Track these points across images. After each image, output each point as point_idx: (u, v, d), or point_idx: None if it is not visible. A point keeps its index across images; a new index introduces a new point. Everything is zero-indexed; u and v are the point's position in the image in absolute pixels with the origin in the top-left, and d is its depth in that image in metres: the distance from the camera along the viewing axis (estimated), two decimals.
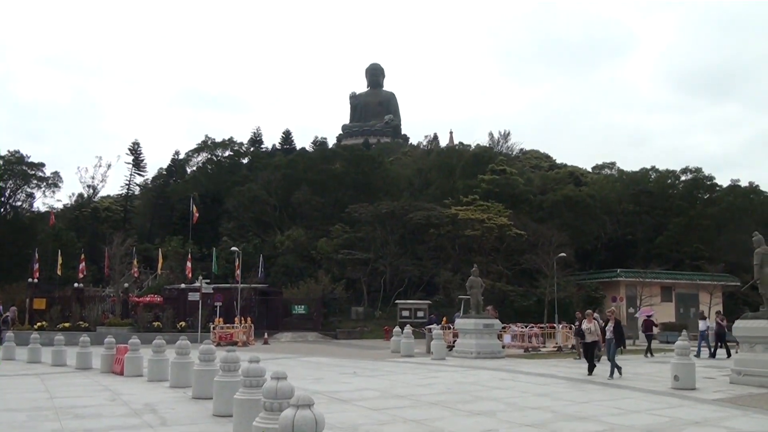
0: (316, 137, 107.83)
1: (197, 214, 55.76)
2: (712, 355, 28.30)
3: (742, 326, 17.31)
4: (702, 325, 30.21)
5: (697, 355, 27.89)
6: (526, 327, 34.01)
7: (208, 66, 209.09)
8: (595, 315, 23.28)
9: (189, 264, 48.33)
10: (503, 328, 31.76)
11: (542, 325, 35.74)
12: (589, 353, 19.42)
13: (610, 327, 19.33)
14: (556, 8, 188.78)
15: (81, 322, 39.44)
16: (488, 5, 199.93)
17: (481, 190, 60.29)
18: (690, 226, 60.17)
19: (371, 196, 61.97)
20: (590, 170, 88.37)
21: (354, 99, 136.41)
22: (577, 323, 21.25)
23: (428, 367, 22.92)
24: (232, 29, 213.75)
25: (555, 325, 36.51)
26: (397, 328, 33.09)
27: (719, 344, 28.48)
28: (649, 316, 34.77)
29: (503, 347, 29.90)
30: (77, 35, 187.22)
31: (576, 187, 67.77)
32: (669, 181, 71.00)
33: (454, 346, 29.45)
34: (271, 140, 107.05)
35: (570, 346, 31.24)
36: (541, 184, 68.62)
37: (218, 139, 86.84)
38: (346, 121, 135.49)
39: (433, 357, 27.18)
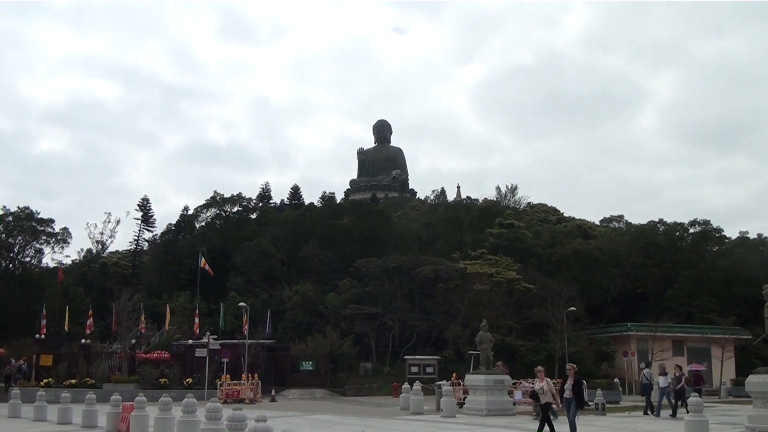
0: (324, 192, 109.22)
1: (210, 269, 55.94)
2: (673, 414, 25.93)
3: (755, 381, 16.99)
4: (663, 381, 27.79)
5: (657, 414, 26.17)
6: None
7: (217, 121, 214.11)
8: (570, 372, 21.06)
9: (196, 319, 48.19)
10: (514, 384, 31.21)
11: (553, 381, 35.06)
12: (545, 415, 17.45)
13: (568, 385, 17.26)
14: (562, 63, 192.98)
15: (87, 379, 39.14)
16: (494, 60, 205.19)
17: (489, 244, 60.35)
18: (700, 279, 59.67)
19: (379, 251, 62.16)
20: (598, 223, 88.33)
21: (362, 154, 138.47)
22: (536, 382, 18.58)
23: (438, 425, 22.54)
24: (241, 85, 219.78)
25: (583, 380, 35.84)
26: (405, 385, 32.62)
27: (679, 402, 26.18)
28: (698, 371, 33.87)
29: (514, 404, 29.35)
30: (86, 91, 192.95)
31: (584, 240, 67.68)
32: (677, 233, 70.83)
33: (464, 403, 28.95)
34: (279, 195, 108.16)
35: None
36: (550, 237, 68.68)
37: (227, 195, 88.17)
38: (354, 176, 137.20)
39: (443, 414, 26.70)
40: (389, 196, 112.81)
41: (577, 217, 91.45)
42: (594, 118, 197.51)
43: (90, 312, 49.37)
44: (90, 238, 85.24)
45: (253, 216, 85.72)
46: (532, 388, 19.47)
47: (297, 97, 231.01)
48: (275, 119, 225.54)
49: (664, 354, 48.14)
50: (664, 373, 28.35)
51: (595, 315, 58.65)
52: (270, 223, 72.30)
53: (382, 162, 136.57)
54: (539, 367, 19.56)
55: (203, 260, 58.75)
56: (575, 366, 18.23)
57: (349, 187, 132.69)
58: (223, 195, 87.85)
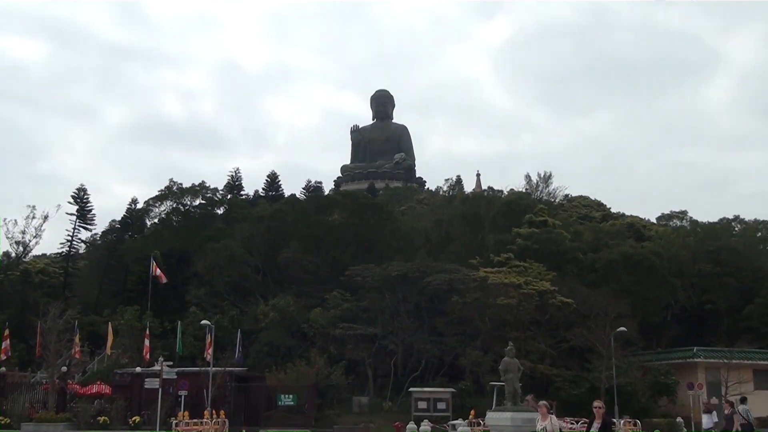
0: (309, 181, 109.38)
1: (163, 278, 55.93)
2: None
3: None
4: (706, 420, 27.59)
5: None
6: (576, 422, 33.58)
7: (174, 90, 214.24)
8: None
9: (147, 342, 48.29)
10: None
11: (574, 420, 35.21)
12: None
13: (595, 428, 17.32)
14: (611, 20, 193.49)
15: (1, 418, 39.11)
16: (524, 15, 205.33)
17: (516, 246, 60.41)
18: None
19: (378, 255, 62.06)
20: (655, 221, 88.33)
21: (356, 134, 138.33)
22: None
23: None
24: (204, 45, 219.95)
25: (614, 419, 35.99)
26: (411, 425, 32.78)
27: None
28: None
29: None
30: (2, 51, 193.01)
31: (637, 242, 67.69)
32: (759, 234, 70.76)
33: None
34: (252, 185, 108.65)
35: None
36: (593, 239, 68.59)
37: (186, 184, 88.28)
38: (346, 160, 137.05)
39: None
40: (391, 187, 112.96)
41: (627, 213, 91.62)
42: (651, 88, 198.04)
43: (6, 332, 49.16)
44: (8, 238, 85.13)
45: (220, 211, 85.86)
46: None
47: (275, 61, 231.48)
48: (247, 89, 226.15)
49: (742, 387, 47.82)
50: (708, 411, 28.13)
51: (652, 337, 58.65)
52: (241, 220, 72.35)
53: (381, 143, 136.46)
54: (542, 402, 19.47)
55: (156, 266, 59.00)
56: (603, 405, 17.99)
57: (340, 174, 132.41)
58: (181, 184, 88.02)
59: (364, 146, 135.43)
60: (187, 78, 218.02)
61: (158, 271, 58.93)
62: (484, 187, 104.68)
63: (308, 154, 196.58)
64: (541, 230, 62.73)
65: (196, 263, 65.32)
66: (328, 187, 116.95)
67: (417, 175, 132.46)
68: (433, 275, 55.56)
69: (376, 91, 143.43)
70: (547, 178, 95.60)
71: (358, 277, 57.45)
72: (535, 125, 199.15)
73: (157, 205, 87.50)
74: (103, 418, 39.89)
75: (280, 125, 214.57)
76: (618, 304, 51.03)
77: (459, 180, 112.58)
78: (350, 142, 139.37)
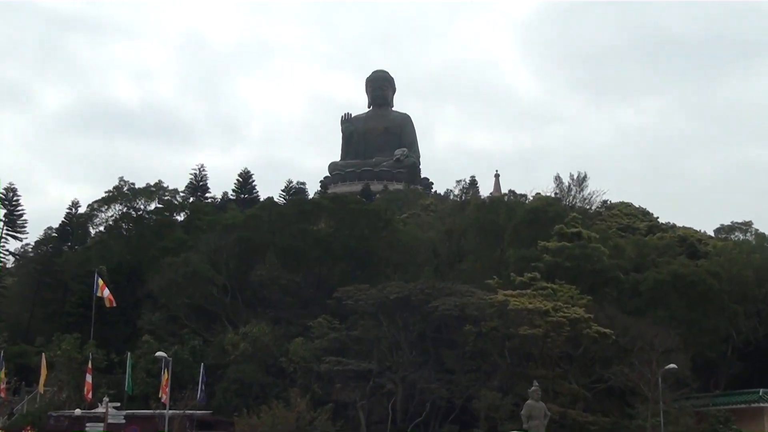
0: (290, 182, 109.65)
1: (112, 300, 55.57)
2: None
3: None
4: None
5: None
6: None
7: (125, 69, 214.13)
8: None
9: (89, 378, 47.96)
10: None
11: None
12: None
13: None
14: None
15: None
16: None
17: (543, 264, 60.16)
18: None
19: (374, 274, 61.72)
20: (712, 234, 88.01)
21: (348, 124, 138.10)
22: None
23: None
24: (163, 15, 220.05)
25: None
26: None
27: None
28: None
29: None
30: None
31: (691, 260, 67.35)
32: None
33: None
34: (220, 186, 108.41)
35: None
36: (637, 255, 68.29)
37: (139, 184, 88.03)
38: (336, 156, 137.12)
39: None
40: (390, 189, 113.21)
41: (679, 224, 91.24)
42: (709, 71, 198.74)
43: None
44: None
45: (180, 217, 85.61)
46: None
47: (249, 34, 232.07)
48: (216, 68, 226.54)
49: None
50: None
51: (708, 376, 58.34)
52: (206, 229, 72.06)
53: (379, 136, 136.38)
54: None
55: (102, 285, 58.65)
56: None
57: (327, 174, 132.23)
58: (133, 184, 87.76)
59: (358, 139, 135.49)
60: (141, 54, 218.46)
61: (105, 291, 58.62)
62: (504, 190, 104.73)
63: (289, 148, 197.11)
64: (573, 244, 62.37)
65: (150, 281, 64.90)
66: (313, 188, 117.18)
67: (422, 176, 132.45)
68: (441, 299, 55.16)
69: (373, 72, 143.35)
70: (581, 181, 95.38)
71: (349, 300, 56.97)
72: (566, 115, 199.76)
73: (103, 209, 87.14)
74: None
75: (254, 113, 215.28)
76: (667, 336, 50.72)
77: (473, 182, 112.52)
78: (340, 135, 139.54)
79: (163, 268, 64.54)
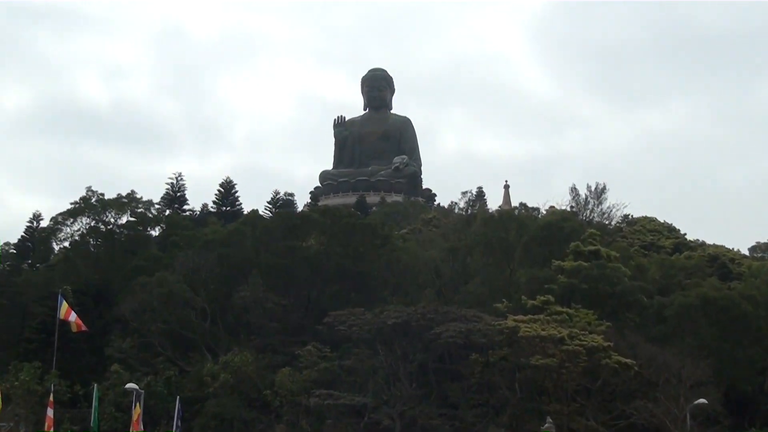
0: (277, 193, 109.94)
1: (81, 325, 55.38)
2: None
3: None
4: None
5: None
6: None
7: (94, 65, 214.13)
8: None
9: (50, 412, 47.72)
10: None
11: None
12: None
13: None
14: None
15: None
16: None
17: (558, 286, 60.28)
18: None
19: (369, 296, 61.86)
20: (747, 253, 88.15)
21: (341, 128, 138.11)
22: None
23: None
24: (136, 5, 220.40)
25: None
26: None
27: None
28: None
29: None
30: None
31: (722, 282, 67.50)
32: None
33: None
34: (200, 197, 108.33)
35: None
36: (662, 276, 68.40)
37: (109, 194, 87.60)
38: (328, 164, 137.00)
39: None
40: (388, 201, 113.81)
41: (709, 241, 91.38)
42: (743, 70, 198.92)
43: None
44: None
45: (155, 232, 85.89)
46: None
47: (232, 28, 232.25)
48: (195, 65, 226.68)
49: None
50: None
51: (743, 412, 58.12)
52: (184, 246, 72.21)
53: (376, 142, 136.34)
54: None
55: (66, 308, 58.38)
56: None
57: (318, 184, 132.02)
58: (102, 195, 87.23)
59: (352, 145, 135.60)
60: (112, 49, 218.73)
61: (70, 315, 58.42)
62: (515, 203, 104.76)
63: (276, 155, 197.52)
64: (591, 264, 62.55)
65: (120, 304, 64.80)
66: (302, 200, 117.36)
67: (424, 186, 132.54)
68: (445, 324, 55.20)
69: (370, 71, 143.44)
70: (600, 192, 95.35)
71: (342, 325, 57.02)
72: (583, 119, 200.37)
73: (68, 223, 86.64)
74: None
75: (238, 115, 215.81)
76: (696, 367, 50.68)
77: (480, 193, 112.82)
78: (333, 140, 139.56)
79: (135, 289, 64.46)
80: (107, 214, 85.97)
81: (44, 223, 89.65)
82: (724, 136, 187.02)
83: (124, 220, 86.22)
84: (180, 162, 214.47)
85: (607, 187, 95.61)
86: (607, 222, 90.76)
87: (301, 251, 68.11)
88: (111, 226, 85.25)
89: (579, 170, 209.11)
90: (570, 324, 54.68)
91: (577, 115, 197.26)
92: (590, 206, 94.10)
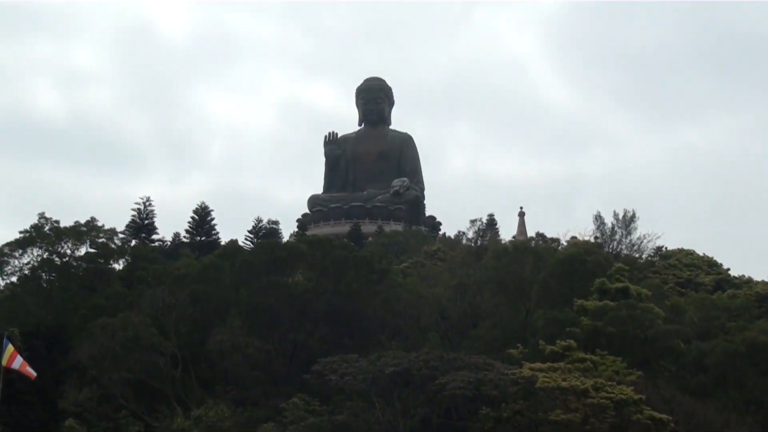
0: (260, 221, 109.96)
1: (29, 372, 55.25)
2: None
3: None
4: None
5: None
6: None
7: (49, 70, 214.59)
8: None
9: None
10: None
11: None
12: None
13: None
14: None
15: None
16: None
17: (581, 329, 60.17)
18: None
19: (364, 340, 61.91)
20: None
21: (333, 146, 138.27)
22: None
23: None
24: (97, 3, 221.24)
25: None
26: None
27: None
28: None
29: None
30: None
31: None
32: None
33: None
34: (171, 225, 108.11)
35: None
36: (702, 318, 68.21)
37: (66, 222, 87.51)
38: (317, 188, 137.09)
39: None
40: (386, 231, 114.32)
41: (756, 277, 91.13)
42: None
43: None
44: None
45: (119, 266, 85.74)
46: None
47: (208, 30, 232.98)
48: (165, 72, 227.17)
49: None
50: None
51: None
52: (152, 282, 72.16)
53: (372, 162, 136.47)
54: None
55: (11, 352, 58.22)
56: None
57: (307, 210, 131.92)
58: (57, 222, 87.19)
59: (346, 166, 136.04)
60: (70, 53, 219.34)
61: (16, 360, 58.24)
62: (531, 233, 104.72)
63: (258, 176, 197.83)
64: (619, 304, 62.53)
65: (77, 349, 64.48)
66: (288, 229, 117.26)
67: (427, 213, 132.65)
68: (451, 374, 55.00)
69: (366, 81, 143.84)
70: (628, 221, 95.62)
71: (333, 374, 56.72)
72: (610, 136, 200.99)
73: (16, 254, 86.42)
74: None
75: (215, 130, 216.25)
76: (742, 423, 50.50)
77: (492, 222, 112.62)
78: (323, 160, 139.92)
79: (94, 331, 64.15)
80: (62, 244, 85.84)
81: None
82: None
83: (82, 251, 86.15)
84: (148, 184, 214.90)
85: (637, 215, 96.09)
86: (637, 255, 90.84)
87: (286, 288, 68.20)
88: (67, 258, 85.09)
89: (605, 195, 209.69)
90: (595, 373, 54.38)
91: (603, 131, 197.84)
92: (618, 237, 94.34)
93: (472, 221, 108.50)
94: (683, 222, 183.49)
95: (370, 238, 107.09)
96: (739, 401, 54.81)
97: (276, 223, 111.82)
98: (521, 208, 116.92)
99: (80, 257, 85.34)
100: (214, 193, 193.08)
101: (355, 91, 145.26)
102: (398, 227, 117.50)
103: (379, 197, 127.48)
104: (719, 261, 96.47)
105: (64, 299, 74.84)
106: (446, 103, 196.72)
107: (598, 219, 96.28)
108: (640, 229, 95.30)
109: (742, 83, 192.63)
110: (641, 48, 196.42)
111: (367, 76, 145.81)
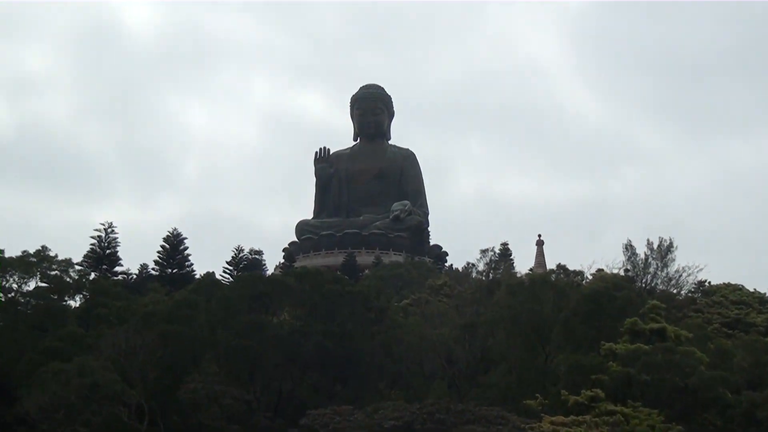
0: (240, 250, 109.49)
1: None
2: None
3: None
4: None
5: None
6: None
7: None
8: None
9: None
10: None
11: None
12: None
13: None
14: None
15: None
16: None
17: (609, 377, 60.17)
18: None
19: (361, 389, 62.08)
20: None
21: (324, 165, 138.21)
22: None
23: None
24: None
25: None
26: None
27: None
28: None
29: None
30: None
31: None
32: None
33: None
34: (137, 255, 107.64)
35: None
36: (753, 364, 68.13)
37: (12, 251, 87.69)
38: (307, 212, 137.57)
39: None
40: (386, 263, 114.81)
41: None
42: None
43: None
44: None
45: (75, 302, 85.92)
46: None
47: (181, 28, 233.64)
48: (131, 78, 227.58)
49: None
50: None
51: None
52: (114, 321, 72.11)
53: (369, 182, 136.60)
54: None
55: None
56: None
57: (294, 239, 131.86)
58: (2, 251, 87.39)
59: (339, 187, 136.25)
60: (20, 56, 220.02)
61: None
62: (551, 264, 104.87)
63: (238, 199, 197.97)
64: (654, 347, 62.50)
65: (24, 399, 64.14)
66: (273, 260, 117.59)
67: (432, 242, 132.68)
68: (460, 428, 55.06)
69: (362, 89, 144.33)
70: (665, 251, 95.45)
71: (324, 429, 56.57)
72: (643, 153, 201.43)
73: None
74: None
75: (188, 145, 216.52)
76: None
77: (506, 251, 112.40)
78: (313, 180, 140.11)
79: (45, 379, 63.78)
80: (8, 277, 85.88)
81: None
82: None
83: (31, 285, 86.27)
84: (110, 208, 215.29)
85: (675, 244, 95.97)
86: (675, 291, 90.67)
87: (271, 329, 68.28)
88: (13, 293, 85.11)
89: (637, 221, 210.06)
90: (627, 428, 54.45)
91: (635, 147, 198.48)
92: (652, 270, 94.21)
93: (483, 251, 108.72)
94: (729, 253, 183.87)
95: (366, 271, 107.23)
96: None
97: (259, 253, 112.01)
98: (539, 236, 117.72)
99: (29, 292, 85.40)
100: (188, 218, 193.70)
101: (349, 101, 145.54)
102: (399, 258, 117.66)
103: (377, 223, 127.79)
104: None
105: (10, 341, 74.40)
106: (454, 114, 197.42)
107: (629, 248, 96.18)
108: (679, 260, 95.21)
109: None
110: (681, 51, 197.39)
111: (364, 84, 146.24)
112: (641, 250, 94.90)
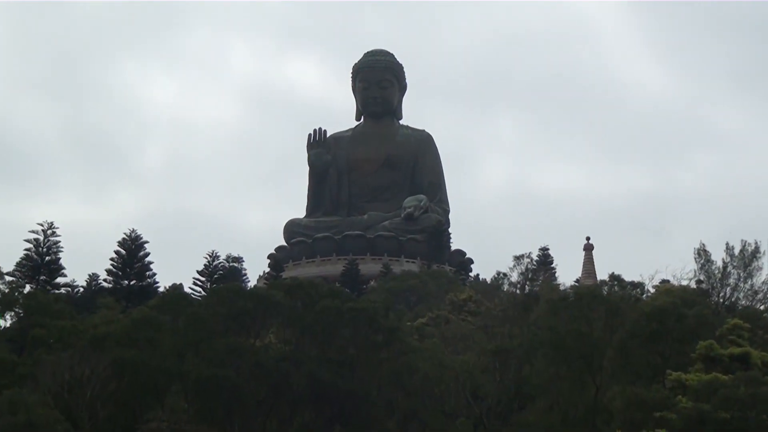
0: (215, 256, 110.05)
1: None
2: None
3: None
4: None
5: None
6: None
7: None
8: None
9: None
10: None
11: None
12: None
13: None
14: None
15: None
16: None
17: (677, 412, 59.48)
18: None
19: (365, 428, 62.15)
20: None
21: (320, 150, 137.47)
22: None
23: None
24: None
25: None
26: None
27: None
28: None
29: None
30: None
31: None
32: None
33: None
34: (85, 262, 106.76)
35: None
36: None
37: None
38: (299, 210, 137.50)
39: None
40: (396, 271, 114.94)
41: None
42: None
43: None
44: None
45: (4, 321, 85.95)
46: None
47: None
48: (79, 46, 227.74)
49: None
50: None
51: None
52: (55, 345, 72.06)
53: (375, 172, 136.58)
54: None
55: None
56: None
57: (283, 242, 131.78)
58: None
59: (339, 179, 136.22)
60: None
61: None
62: (601, 273, 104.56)
63: (213, 193, 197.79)
64: (736, 377, 61.91)
65: None
66: (256, 269, 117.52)
67: (453, 246, 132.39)
68: None
69: (367, 56, 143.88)
70: (749, 258, 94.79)
71: None
72: (720, 134, 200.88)
73: None
74: None
75: (150, 126, 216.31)
76: None
77: (546, 257, 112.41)
78: (306, 169, 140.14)
79: None
80: None
81: None
82: None
83: None
84: (52, 204, 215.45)
85: (761, 249, 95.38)
86: (762, 307, 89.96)
87: (253, 355, 67.93)
88: None
89: (711, 220, 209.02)
90: None
91: (710, 128, 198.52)
92: (732, 281, 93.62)
93: (517, 258, 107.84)
94: None
95: (372, 282, 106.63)
96: None
97: (238, 260, 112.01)
98: (588, 239, 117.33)
99: None
100: (150, 217, 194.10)
101: (351, 71, 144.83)
102: (412, 266, 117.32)
103: (386, 223, 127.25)
104: None
105: None
106: (480, 88, 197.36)
107: (703, 254, 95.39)
108: (767, 268, 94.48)
109: None
110: (760, 15, 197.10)
111: (369, 50, 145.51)
112: (718, 257, 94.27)
